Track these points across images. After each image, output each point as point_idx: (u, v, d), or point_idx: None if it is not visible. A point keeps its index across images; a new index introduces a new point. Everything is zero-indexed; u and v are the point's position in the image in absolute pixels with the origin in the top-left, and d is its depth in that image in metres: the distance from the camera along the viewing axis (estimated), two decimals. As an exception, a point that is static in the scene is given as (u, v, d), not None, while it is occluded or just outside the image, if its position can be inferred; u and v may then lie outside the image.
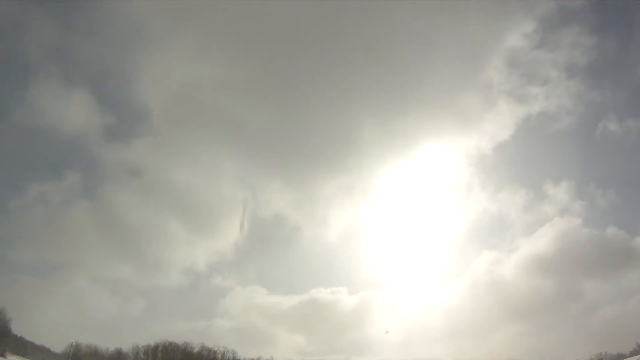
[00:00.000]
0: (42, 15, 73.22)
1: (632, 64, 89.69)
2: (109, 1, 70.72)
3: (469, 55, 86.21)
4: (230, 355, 63.20)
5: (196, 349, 60.96)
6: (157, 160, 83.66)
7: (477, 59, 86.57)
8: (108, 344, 57.51)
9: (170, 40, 77.86)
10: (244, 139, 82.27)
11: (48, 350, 55.87)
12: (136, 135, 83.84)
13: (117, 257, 76.33)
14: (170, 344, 60.00)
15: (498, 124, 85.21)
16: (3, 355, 48.45)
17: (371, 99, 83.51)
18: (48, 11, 78.26)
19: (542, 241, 73.50)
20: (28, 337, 53.79)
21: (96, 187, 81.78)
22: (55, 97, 71.80)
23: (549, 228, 75.44)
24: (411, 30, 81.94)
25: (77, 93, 73.23)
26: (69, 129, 75.30)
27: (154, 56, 77.22)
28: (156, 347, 58.96)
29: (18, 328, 47.81)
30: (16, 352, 50.84)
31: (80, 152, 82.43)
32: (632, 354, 56.47)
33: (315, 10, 78.77)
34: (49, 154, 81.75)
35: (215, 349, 62.35)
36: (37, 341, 53.11)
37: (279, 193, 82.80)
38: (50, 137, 75.33)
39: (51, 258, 71.63)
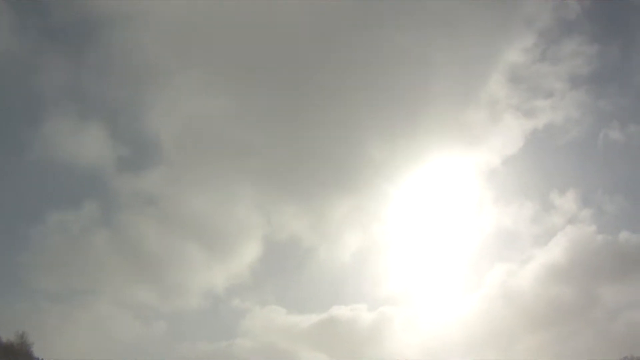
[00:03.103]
0: (55, 56, 76.90)
1: (634, 70, 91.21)
2: (118, 40, 74.37)
3: (470, 73, 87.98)
4: None
5: None
6: (171, 188, 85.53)
7: (479, 76, 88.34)
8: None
9: (178, 74, 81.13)
10: (258, 165, 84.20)
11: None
12: (149, 165, 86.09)
13: (138, 282, 77.28)
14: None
15: (506, 138, 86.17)
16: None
17: (378, 119, 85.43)
18: (61, 52, 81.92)
19: (555, 250, 73.55)
20: (50, 361, 54.59)
21: (113, 216, 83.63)
22: (71, 132, 74.80)
23: (561, 237, 75.50)
24: (412, 51, 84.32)
25: (91, 128, 76.28)
26: (85, 162, 77.96)
27: (164, 90, 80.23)
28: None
29: (40, 352, 48.61)
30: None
31: (96, 183, 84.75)
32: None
33: (317, 36, 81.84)
34: (66, 185, 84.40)
35: None
36: (60, 365, 53.90)
37: (294, 216, 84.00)
38: (67, 169, 77.98)
39: (73, 285, 72.82)
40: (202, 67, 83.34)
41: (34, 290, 70.38)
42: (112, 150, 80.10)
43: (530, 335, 66.41)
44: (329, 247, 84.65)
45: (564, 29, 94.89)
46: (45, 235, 71.95)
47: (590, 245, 73.59)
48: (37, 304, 65.70)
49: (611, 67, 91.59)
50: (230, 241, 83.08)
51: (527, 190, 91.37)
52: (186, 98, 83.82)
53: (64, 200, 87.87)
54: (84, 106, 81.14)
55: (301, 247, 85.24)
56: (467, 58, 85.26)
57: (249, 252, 79.86)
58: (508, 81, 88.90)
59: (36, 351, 48.76)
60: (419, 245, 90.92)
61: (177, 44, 79.17)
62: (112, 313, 71.51)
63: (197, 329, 75.96)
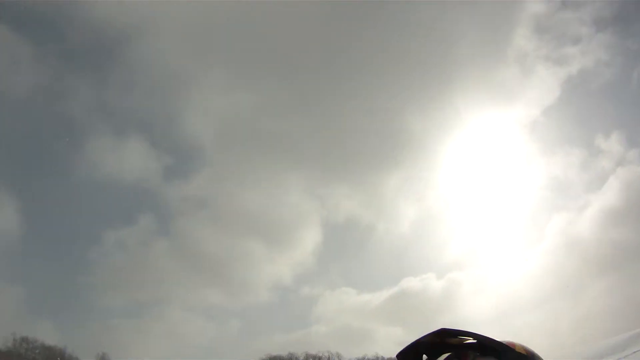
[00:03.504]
0: (79, 78, 78.58)
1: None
2: (137, 53, 75.58)
3: (494, 31, 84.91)
4: (336, 358, 65.30)
5: (301, 358, 63.76)
6: (220, 188, 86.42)
7: (504, 33, 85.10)
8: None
9: (203, 75, 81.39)
10: (301, 152, 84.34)
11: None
12: (194, 169, 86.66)
13: (205, 285, 79.33)
14: (274, 357, 63.06)
15: (541, 89, 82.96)
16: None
17: (411, 90, 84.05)
18: (83, 74, 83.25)
19: (610, 194, 71.20)
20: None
21: (168, 224, 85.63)
22: (111, 150, 75.98)
23: (613, 180, 73.26)
24: (435, 22, 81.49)
25: (130, 142, 77.55)
26: (131, 176, 79.38)
27: (192, 93, 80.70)
28: (262, 362, 62.29)
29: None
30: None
31: (145, 195, 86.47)
32: None
33: (340, 13, 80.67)
34: (117, 202, 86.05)
35: (320, 355, 64.26)
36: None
37: (346, 196, 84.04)
38: (115, 187, 79.86)
39: (141, 298, 75.39)
40: (225, 65, 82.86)
41: (104, 309, 72.24)
42: (156, 160, 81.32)
43: (598, 280, 65.49)
44: (386, 221, 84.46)
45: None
46: (105, 255, 73.54)
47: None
48: (109, 322, 67.47)
49: (634, 6, 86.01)
50: (289, 231, 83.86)
51: (572, 138, 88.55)
52: (216, 97, 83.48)
53: (117, 218, 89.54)
54: (118, 122, 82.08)
55: (360, 226, 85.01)
56: (488, 17, 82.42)
57: (310, 239, 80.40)
58: (533, 33, 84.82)
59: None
60: (475, 207, 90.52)
61: (196, 46, 78.72)
62: (185, 319, 73.41)
63: (270, 321, 76.41)
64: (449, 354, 0.98)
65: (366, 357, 62.97)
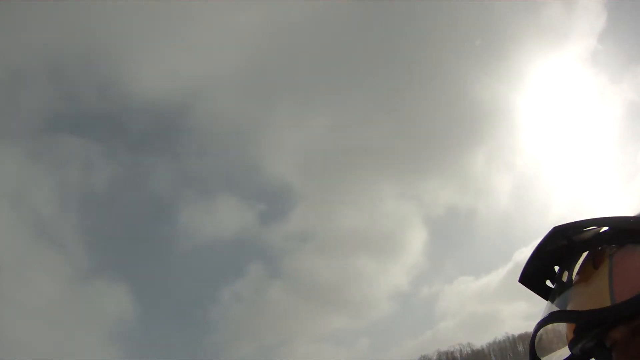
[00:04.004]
0: (150, 158, 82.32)
1: None
2: (198, 118, 78.31)
3: None
4: (468, 349, 63.76)
5: (434, 357, 62.57)
6: (317, 217, 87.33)
7: None
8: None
9: (271, 116, 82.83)
10: (387, 158, 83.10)
11: None
12: (288, 207, 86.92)
13: (327, 313, 79.57)
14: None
15: (589, 17, 76.19)
16: None
17: (470, 63, 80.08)
18: (153, 153, 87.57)
19: None
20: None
21: (277, 266, 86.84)
22: (204, 213, 79.60)
23: None
24: None
25: (220, 202, 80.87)
26: (229, 232, 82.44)
27: (266, 136, 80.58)
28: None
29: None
30: None
31: (248, 245, 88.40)
32: None
33: (382, 7, 78.08)
34: (223, 259, 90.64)
35: (452, 349, 63.26)
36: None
37: (441, 188, 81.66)
38: (217, 246, 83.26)
39: (267, 342, 76.67)
40: (287, 99, 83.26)
41: None
42: (249, 210, 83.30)
43: None
44: (485, 200, 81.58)
45: None
46: (224, 311, 76.17)
47: None
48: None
49: None
50: (394, 238, 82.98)
51: (634, 56, 79.07)
52: (288, 132, 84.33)
53: (228, 274, 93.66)
54: (203, 187, 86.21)
55: (461, 212, 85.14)
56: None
57: (417, 240, 79.06)
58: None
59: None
60: (564, 157, 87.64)
61: (252, 91, 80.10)
62: (315, 350, 73.81)
63: (398, 330, 79.64)
64: (586, 253, 0.70)
65: (496, 339, 63.17)
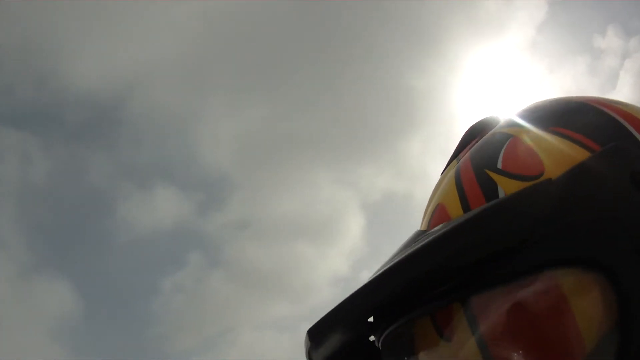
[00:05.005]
0: (90, 154, 62.40)
1: None
2: (135, 108, 56.59)
3: None
4: None
5: None
6: (254, 205, 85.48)
7: None
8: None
9: (206, 106, 66.06)
10: (324, 145, 77.38)
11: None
12: (225, 196, 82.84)
13: (268, 300, 78.02)
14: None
15: (531, 8, 77.40)
16: None
17: (402, 47, 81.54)
18: (93, 148, 69.60)
19: (626, 89, 54.02)
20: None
21: (217, 254, 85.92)
22: (142, 205, 67.18)
23: (624, 75, 57.48)
24: None
25: (157, 193, 68.52)
26: (168, 223, 74.57)
27: (201, 127, 59.67)
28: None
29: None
30: None
31: (187, 235, 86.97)
32: None
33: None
34: (162, 251, 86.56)
35: None
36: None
37: (377, 174, 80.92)
38: (156, 238, 75.19)
39: (211, 331, 75.52)
40: (223, 89, 74.98)
41: (179, 353, 73.63)
42: (186, 200, 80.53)
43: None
44: (420, 185, 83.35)
45: None
46: (167, 302, 74.86)
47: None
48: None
49: None
50: (332, 224, 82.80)
51: (571, 47, 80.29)
52: (224, 122, 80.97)
53: (168, 265, 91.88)
54: (139, 178, 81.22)
55: (397, 198, 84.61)
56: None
57: (354, 225, 79.55)
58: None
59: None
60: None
61: (188, 81, 69.11)
62: (258, 337, 73.73)
63: None
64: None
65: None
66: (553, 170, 0.43)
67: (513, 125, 0.51)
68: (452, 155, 0.57)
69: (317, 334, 0.45)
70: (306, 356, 0.47)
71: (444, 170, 0.56)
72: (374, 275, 0.43)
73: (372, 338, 0.51)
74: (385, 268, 0.43)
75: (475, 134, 0.57)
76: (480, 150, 0.51)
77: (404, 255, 0.42)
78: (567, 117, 0.48)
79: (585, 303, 0.39)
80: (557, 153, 0.44)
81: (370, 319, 0.47)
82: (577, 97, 0.53)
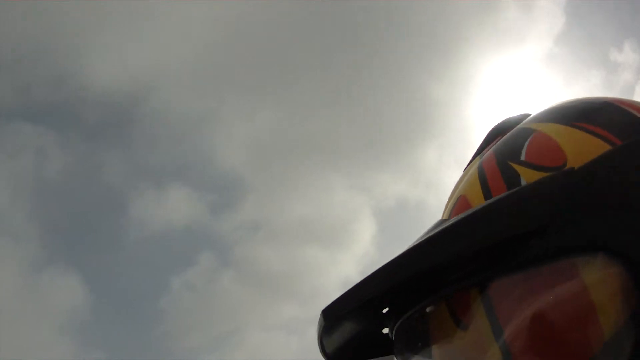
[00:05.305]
0: (106, 152, 55.10)
1: None
2: (152, 108, 59.27)
3: None
4: None
5: None
6: (267, 208, 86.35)
7: None
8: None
9: (223, 108, 73.44)
10: (340, 149, 75.59)
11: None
12: (239, 197, 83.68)
13: (278, 302, 78.99)
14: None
15: (549, 19, 73.44)
16: None
17: (421, 56, 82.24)
18: (109, 147, 68.42)
19: None
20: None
21: (228, 254, 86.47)
22: (155, 204, 69.40)
23: None
24: None
25: (171, 192, 71.07)
26: (181, 222, 76.13)
27: (218, 129, 61.01)
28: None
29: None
30: None
31: (199, 235, 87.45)
32: None
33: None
34: (174, 250, 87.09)
35: None
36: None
37: (392, 181, 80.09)
38: (168, 237, 74.44)
39: (218, 331, 76.47)
40: (240, 91, 77.30)
41: (185, 352, 73.43)
42: (200, 201, 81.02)
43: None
44: (435, 194, 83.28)
45: None
46: (175, 301, 74.90)
47: None
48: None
49: None
50: (344, 229, 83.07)
51: (586, 60, 76.88)
52: (240, 124, 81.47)
53: (179, 264, 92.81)
54: (154, 178, 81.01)
55: (410, 206, 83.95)
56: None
57: (366, 231, 79.74)
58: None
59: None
60: None
61: (206, 83, 71.76)
62: (266, 339, 74.09)
63: None
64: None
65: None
66: (575, 161, 0.43)
67: (537, 120, 0.53)
68: (476, 152, 0.58)
69: (331, 315, 0.45)
70: (318, 340, 0.48)
71: (466, 167, 0.57)
72: (394, 257, 0.43)
73: (385, 330, 0.51)
74: (405, 250, 0.43)
75: (499, 132, 0.57)
76: (504, 145, 0.51)
77: (424, 238, 0.43)
78: (590, 113, 0.49)
79: (604, 292, 0.39)
80: (580, 146, 0.45)
81: (384, 310, 0.47)
82: (600, 97, 0.54)
